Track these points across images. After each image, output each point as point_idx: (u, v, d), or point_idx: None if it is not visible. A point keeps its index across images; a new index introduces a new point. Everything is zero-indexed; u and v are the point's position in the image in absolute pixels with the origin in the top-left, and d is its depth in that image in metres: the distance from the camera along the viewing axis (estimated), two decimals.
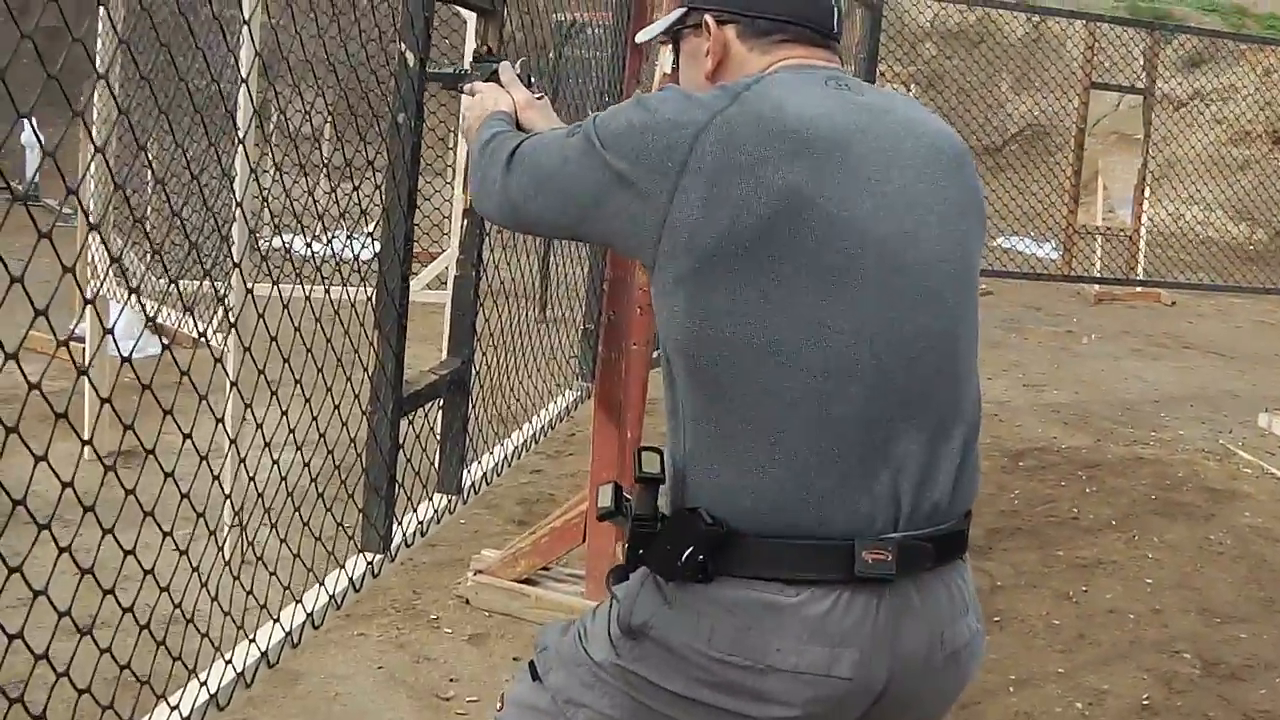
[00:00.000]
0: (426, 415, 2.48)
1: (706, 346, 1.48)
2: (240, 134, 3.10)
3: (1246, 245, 11.49)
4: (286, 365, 1.90)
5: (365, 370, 2.14)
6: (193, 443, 1.64)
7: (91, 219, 4.03)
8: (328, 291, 2.04)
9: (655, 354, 3.38)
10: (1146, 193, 8.69)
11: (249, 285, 2.04)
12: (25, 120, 1.29)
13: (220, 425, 1.87)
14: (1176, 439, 6.32)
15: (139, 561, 1.56)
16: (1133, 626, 3.95)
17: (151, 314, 4.25)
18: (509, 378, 3.14)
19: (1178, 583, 4.35)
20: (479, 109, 1.95)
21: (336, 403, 2.07)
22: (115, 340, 1.76)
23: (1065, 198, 8.18)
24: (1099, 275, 9.68)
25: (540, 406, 3.38)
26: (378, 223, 2.17)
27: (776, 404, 1.46)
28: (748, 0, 1.62)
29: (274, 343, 1.90)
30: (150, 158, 4.36)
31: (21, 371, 1.20)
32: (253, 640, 1.94)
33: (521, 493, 4.76)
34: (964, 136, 1.69)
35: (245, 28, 2.58)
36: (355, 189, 2.40)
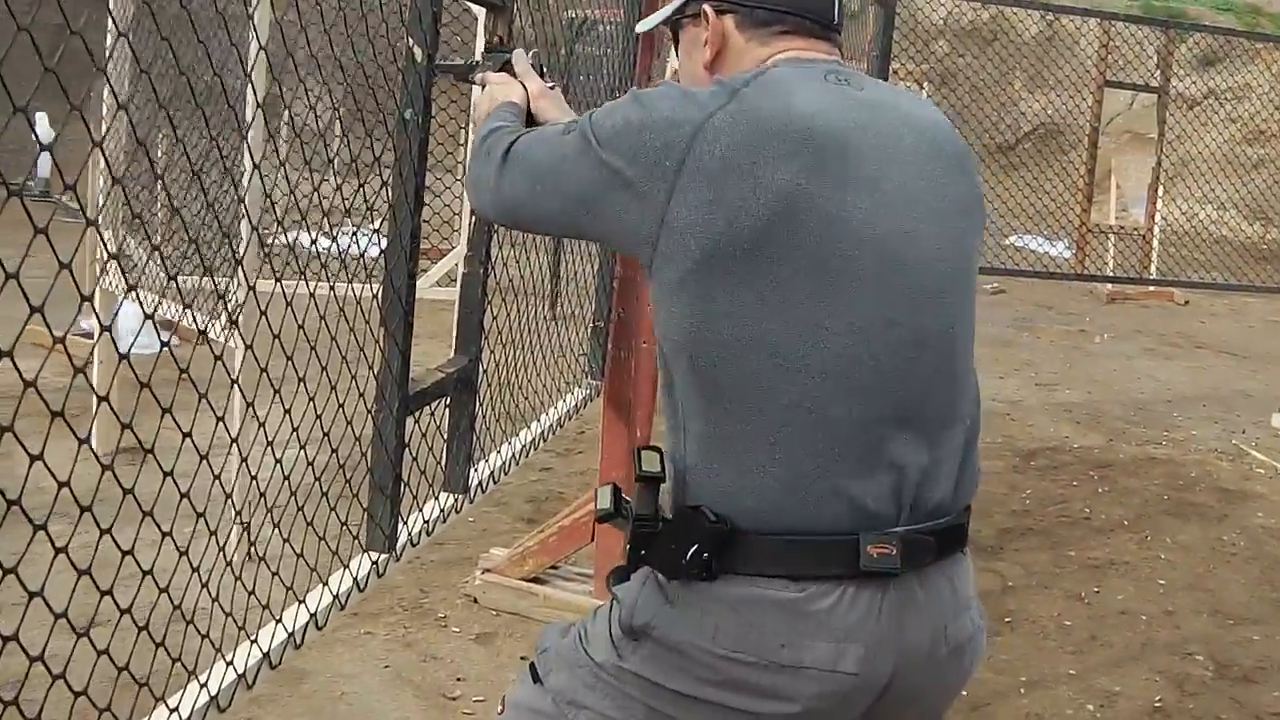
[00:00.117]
0: (434, 413, 2.46)
1: (705, 348, 1.46)
2: (246, 129, 3.09)
3: (1260, 244, 11.42)
4: (290, 362, 1.89)
5: (371, 368, 2.13)
6: (192, 441, 1.62)
7: (97, 214, 4.03)
8: (333, 288, 2.03)
9: None
10: (1160, 192, 8.63)
11: (251, 282, 2.03)
12: (39, 115, 1.28)
13: (220, 423, 1.85)
14: (1189, 439, 6.29)
15: (137, 562, 1.55)
16: (1145, 628, 3.93)
17: (163, 310, 4.23)
18: (517, 375, 3.12)
19: (1190, 584, 4.32)
20: (488, 101, 1.90)
21: (342, 400, 2.05)
22: (113, 336, 1.74)
23: (1078, 196, 8.13)
24: (1112, 274, 9.62)
25: (549, 404, 3.36)
26: (384, 219, 2.16)
27: (775, 405, 1.44)
28: None
29: (276, 340, 1.88)
30: (160, 153, 4.35)
31: (16, 369, 1.19)
32: (254, 641, 1.92)
33: (530, 491, 4.74)
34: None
35: (251, 22, 2.57)
36: (361, 185, 2.38)
